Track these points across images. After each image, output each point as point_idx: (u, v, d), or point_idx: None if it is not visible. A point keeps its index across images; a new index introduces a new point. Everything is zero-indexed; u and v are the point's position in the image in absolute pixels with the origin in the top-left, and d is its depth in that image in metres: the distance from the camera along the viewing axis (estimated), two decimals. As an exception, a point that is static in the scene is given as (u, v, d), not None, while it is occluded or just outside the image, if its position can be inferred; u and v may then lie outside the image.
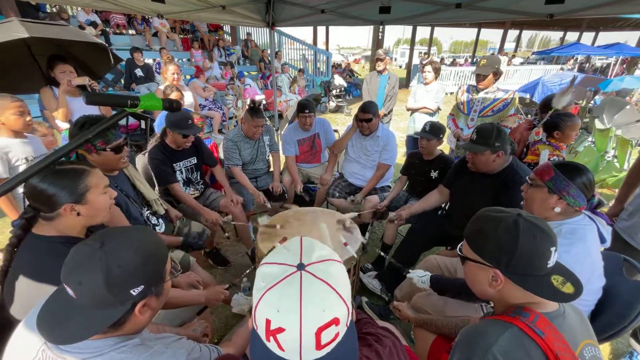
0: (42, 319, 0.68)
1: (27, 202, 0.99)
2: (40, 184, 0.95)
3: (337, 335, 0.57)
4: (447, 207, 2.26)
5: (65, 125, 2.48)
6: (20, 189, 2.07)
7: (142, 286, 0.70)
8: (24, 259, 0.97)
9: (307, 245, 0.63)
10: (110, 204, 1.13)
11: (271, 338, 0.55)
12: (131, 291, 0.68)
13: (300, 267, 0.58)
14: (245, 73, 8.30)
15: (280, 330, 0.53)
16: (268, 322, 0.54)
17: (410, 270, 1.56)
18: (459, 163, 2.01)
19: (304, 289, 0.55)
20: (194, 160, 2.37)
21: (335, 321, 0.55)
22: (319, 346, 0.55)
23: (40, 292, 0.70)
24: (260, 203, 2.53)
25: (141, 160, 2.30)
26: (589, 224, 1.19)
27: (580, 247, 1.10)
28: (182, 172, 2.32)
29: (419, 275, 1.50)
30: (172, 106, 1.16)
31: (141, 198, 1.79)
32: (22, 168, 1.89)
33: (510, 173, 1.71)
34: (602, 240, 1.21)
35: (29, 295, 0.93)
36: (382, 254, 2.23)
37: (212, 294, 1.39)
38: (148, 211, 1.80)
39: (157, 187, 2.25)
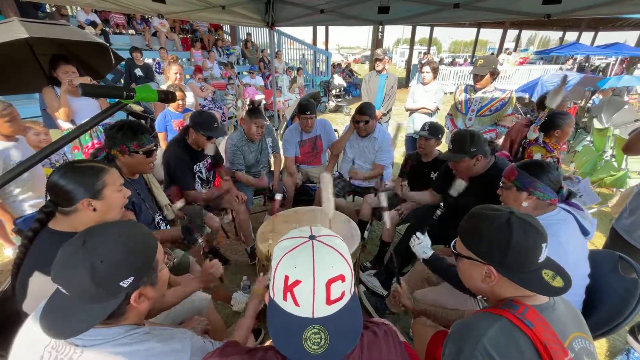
0: (43, 317, 0.70)
1: (47, 197, 1.04)
2: (61, 180, 1.00)
3: (343, 294, 0.66)
4: (444, 207, 2.27)
5: (67, 125, 2.49)
6: (15, 190, 2.10)
7: (132, 277, 0.71)
8: (38, 253, 1.00)
9: (316, 228, 0.75)
10: (124, 202, 1.17)
11: (288, 295, 0.64)
12: (121, 283, 0.70)
13: (312, 237, 0.70)
14: (245, 72, 8.31)
15: (297, 282, 0.63)
16: (286, 278, 0.64)
17: (419, 235, 1.54)
18: (445, 169, 2.05)
19: (316, 251, 0.67)
20: (209, 159, 2.40)
21: (342, 277, 0.65)
22: (328, 300, 0.64)
23: (51, 287, 0.73)
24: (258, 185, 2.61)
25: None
26: (564, 218, 1.23)
27: (552, 242, 1.12)
28: (202, 173, 2.34)
29: (427, 245, 1.50)
30: (168, 97, 1.18)
31: (154, 203, 1.81)
32: None
33: (494, 173, 1.74)
34: (585, 232, 1.24)
35: (42, 290, 0.95)
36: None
37: (205, 276, 1.38)
38: (159, 216, 1.81)
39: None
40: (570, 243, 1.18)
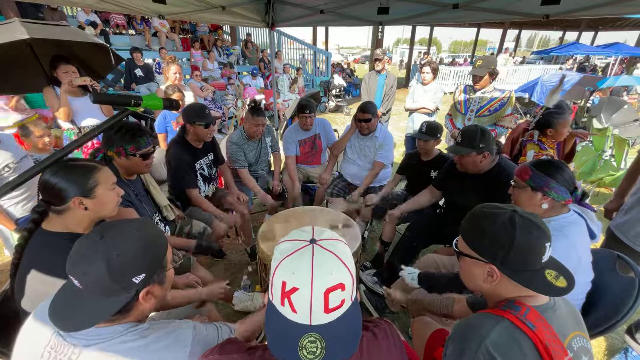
0: (53, 309, 0.72)
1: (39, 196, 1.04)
2: (52, 178, 1.00)
3: (342, 302, 0.64)
4: (444, 206, 2.28)
5: (67, 125, 2.50)
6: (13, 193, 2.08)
7: (144, 274, 0.73)
8: (33, 254, 1.01)
9: (318, 229, 0.73)
10: (117, 201, 1.16)
11: (285, 301, 0.63)
12: (133, 279, 0.72)
13: (312, 241, 0.68)
14: (245, 73, 8.32)
15: (294, 289, 0.62)
16: (284, 284, 0.63)
17: (403, 267, 1.57)
18: (448, 165, 2.05)
19: (315, 257, 0.64)
20: (211, 157, 2.41)
21: (341, 286, 0.63)
22: (327, 309, 0.62)
23: (48, 286, 0.73)
24: (263, 202, 2.59)
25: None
26: (576, 221, 1.22)
27: (564, 243, 1.12)
28: (204, 170, 2.34)
29: (409, 273, 1.51)
30: (172, 105, 1.19)
31: (152, 204, 1.81)
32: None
33: (499, 171, 1.75)
34: (592, 235, 1.24)
35: (38, 288, 0.96)
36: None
37: (212, 290, 1.43)
38: (158, 217, 1.81)
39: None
40: (582, 246, 1.18)
